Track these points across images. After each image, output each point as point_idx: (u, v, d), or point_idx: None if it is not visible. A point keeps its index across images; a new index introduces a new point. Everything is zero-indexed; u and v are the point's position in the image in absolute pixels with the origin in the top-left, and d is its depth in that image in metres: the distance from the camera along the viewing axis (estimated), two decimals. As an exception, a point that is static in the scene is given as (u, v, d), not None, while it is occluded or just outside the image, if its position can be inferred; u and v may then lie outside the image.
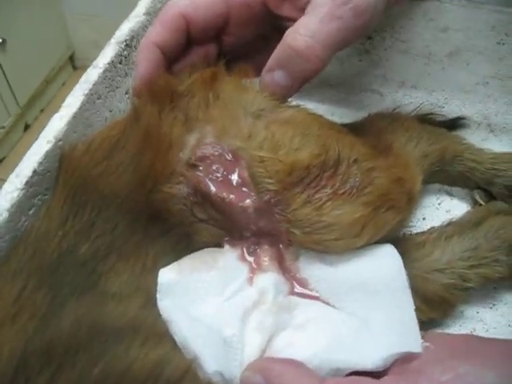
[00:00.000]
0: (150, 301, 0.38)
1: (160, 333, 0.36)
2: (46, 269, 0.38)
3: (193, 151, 0.40)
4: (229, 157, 0.40)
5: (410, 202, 0.45)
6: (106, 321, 0.35)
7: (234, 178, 0.39)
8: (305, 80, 0.44)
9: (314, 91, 0.63)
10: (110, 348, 0.33)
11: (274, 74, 0.43)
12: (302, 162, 0.39)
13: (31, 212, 0.43)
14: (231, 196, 0.39)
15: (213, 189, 0.39)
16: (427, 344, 0.35)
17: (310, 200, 0.39)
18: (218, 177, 0.39)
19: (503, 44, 0.60)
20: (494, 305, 0.50)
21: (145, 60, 0.44)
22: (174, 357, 0.35)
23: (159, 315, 0.37)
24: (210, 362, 0.35)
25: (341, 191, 0.40)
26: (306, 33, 0.41)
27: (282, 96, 0.44)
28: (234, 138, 0.40)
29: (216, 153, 0.40)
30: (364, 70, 0.64)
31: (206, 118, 0.41)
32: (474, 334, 0.48)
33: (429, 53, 0.61)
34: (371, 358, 0.35)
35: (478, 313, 0.50)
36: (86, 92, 0.48)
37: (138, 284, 0.39)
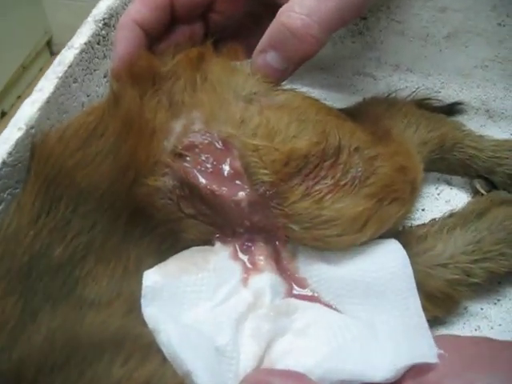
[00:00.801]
0: (134, 308, 0.34)
1: (146, 345, 0.32)
2: (15, 273, 0.34)
3: (179, 139, 0.36)
4: (219, 145, 0.36)
5: (413, 193, 0.42)
6: (83, 334, 0.31)
7: (226, 168, 0.36)
8: (300, 62, 0.40)
9: (305, 75, 0.59)
10: (89, 367, 0.29)
11: (266, 55, 0.39)
12: (300, 150, 0.36)
13: (0, 207, 0.39)
14: (222, 188, 0.35)
15: (202, 181, 0.35)
16: (441, 352, 0.32)
17: (309, 192, 0.36)
18: (207, 168, 0.36)
19: (504, 26, 0.57)
20: (498, 300, 0.48)
21: (124, 39, 0.40)
22: (163, 375, 0.31)
23: (144, 324, 0.33)
24: (202, 376, 0.31)
25: (342, 182, 0.37)
26: (301, 11, 0.38)
27: (275, 79, 0.40)
28: (224, 124, 0.36)
29: (205, 141, 0.36)
30: (357, 53, 0.61)
31: (193, 103, 0.38)
32: (478, 331, 0.46)
33: (426, 34, 0.58)
34: (380, 368, 0.32)
35: (482, 309, 0.47)
36: (61, 75, 0.44)
37: (119, 289, 0.35)
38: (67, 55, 0.45)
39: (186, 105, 0.38)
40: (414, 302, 0.37)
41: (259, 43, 0.40)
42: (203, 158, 0.36)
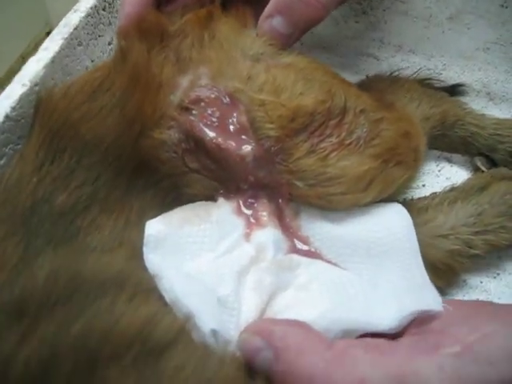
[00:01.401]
0: (136, 255, 0.34)
1: (149, 288, 0.32)
2: (18, 217, 0.34)
3: (185, 93, 0.36)
4: (226, 100, 0.36)
5: (416, 160, 0.41)
6: (87, 272, 0.31)
7: (232, 123, 0.36)
8: (306, 28, 0.41)
9: (307, 54, 0.59)
10: (93, 303, 0.29)
11: (272, 20, 0.39)
12: (306, 107, 0.36)
13: (2, 162, 0.39)
14: (228, 142, 0.35)
15: (207, 134, 0.35)
16: (446, 305, 0.32)
17: (314, 149, 0.36)
18: (213, 121, 0.36)
19: (506, 7, 0.57)
20: (498, 274, 0.48)
21: None
22: (166, 315, 0.31)
23: (146, 270, 0.33)
24: (206, 319, 0.31)
25: (347, 141, 0.37)
26: None
27: (281, 44, 0.40)
28: (231, 79, 0.36)
29: (212, 95, 0.36)
30: (360, 33, 0.61)
31: (200, 59, 0.38)
32: (478, 304, 0.46)
33: (429, 15, 0.58)
34: (384, 318, 0.31)
35: (481, 283, 0.47)
36: (66, 36, 0.44)
37: (121, 239, 0.35)
38: (73, 18, 0.45)
39: (194, 61, 0.38)
40: (417, 262, 0.37)
41: (266, 8, 0.40)
42: (209, 112, 0.36)
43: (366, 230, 0.37)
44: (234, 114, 0.36)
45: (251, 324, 0.32)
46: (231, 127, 0.36)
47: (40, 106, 0.38)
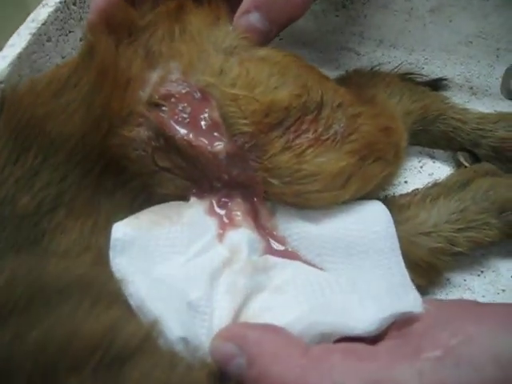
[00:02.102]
0: (103, 259, 0.33)
1: (113, 293, 0.30)
2: None
3: (155, 89, 0.35)
4: (197, 95, 0.35)
5: (396, 157, 0.40)
6: (48, 277, 0.29)
7: (203, 119, 0.34)
8: (284, 25, 0.39)
9: (287, 49, 0.58)
10: (53, 309, 0.28)
11: (249, 15, 0.38)
12: (280, 101, 0.35)
13: (-34, 162, 0.37)
14: (200, 139, 0.34)
15: (178, 131, 0.34)
16: (426, 306, 0.31)
17: (289, 146, 0.35)
18: (184, 118, 0.34)
19: (488, 0, 0.56)
20: (481, 272, 0.47)
21: None
22: (131, 321, 0.29)
23: (113, 274, 0.32)
24: (173, 326, 0.29)
25: (324, 137, 0.35)
26: None
27: (258, 41, 0.39)
28: (202, 73, 0.35)
29: (182, 90, 0.35)
30: (340, 27, 0.60)
31: (170, 53, 0.36)
32: (462, 302, 0.45)
33: (410, 8, 0.58)
34: (362, 320, 0.30)
35: (465, 280, 0.46)
36: (34, 32, 0.43)
37: (87, 243, 0.34)
38: (41, 12, 0.44)
39: (164, 55, 0.36)
40: (397, 261, 0.35)
41: (242, 3, 0.38)
42: (180, 108, 0.34)
43: (345, 229, 0.35)
44: (206, 110, 0.35)
45: (224, 329, 0.30)
46: (203, 123, 0.34)
47: (4, 103, 0.37)
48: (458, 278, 0.46)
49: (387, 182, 0.39)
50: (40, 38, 0.43)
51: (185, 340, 0.29)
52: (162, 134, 0.34)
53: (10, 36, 0.42)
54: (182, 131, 0.34)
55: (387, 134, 0.39)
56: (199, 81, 0.35)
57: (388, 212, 0.37)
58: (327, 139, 0.35)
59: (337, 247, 0.35)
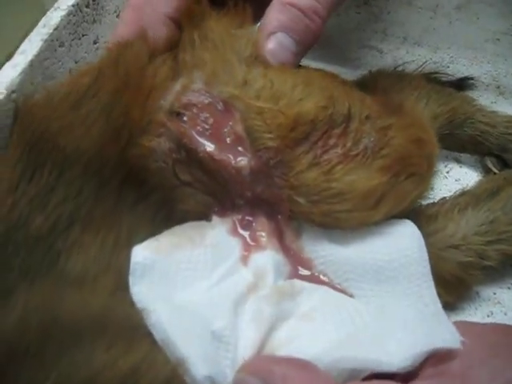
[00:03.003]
0: (122, 285, 0.31)
1: (133, 327, 0.29)
2: None
3: (177, 98, 0.33)
4: (220, 106, 0.33)
5: (429, 169, 0.38)
6: (62, 316, 0.28)
7: (227, 132, 0.33)
8: (311, 45, 0.38)
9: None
10: (67, 352, 0.26)
11: (278, 36, 0.36)
12: (306, 114, 0.33)
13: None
14: (222, 154, 0.32)
15: (200, 144, 0.32)
16: (462, 339, 0.29)
17: (317, 162, 0.33)
18: (206, 129, 0.33)
19: (517, -5, 0.54)
20: (511, 284, 0.45)
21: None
22: (152, 363, 0.27)
23: (132, 304, 0.30)
24: (198, 364, 0.28)
25: (353, 152, 0.34)
26: None
27: (290, 63, 0.37)
28: (226, 84, 0.34)
29: (205, 101, 0.33)
30: (362, 24, 0.58)
31: (194, 62, 0.35)
32: (491, 317, 0.44)
33: (435, 5, 0.55)
34: (395, 355, 0.28)
35: (495, 294, 0.45)
36: (46, 37, 0.41)
37: (108, 262, 0.32)
38: (53, 17, 0.42)
39: (188, 63, 0.35)
40: (429, 288, 0.34)
41: (265, 24, 0.36)
42: (202, 119, 0.33)
43: (374, 253, 0.34)
44: (230, 123, 0.33)
45: (248, 361, 0.29)
46: (226, 137, 0.33)
47: (18, 116, 0.35)
48: (487, 290, 0.45)
49: (421, 198, 0.37)
50: (52, 44, 0.41)
51: (210, 378, 0.28)
52: (183, 145, 0.33)
53: (25, 34, 0.40)
54: (204, 144, 0.33)
55: (420, 146, 0.37)
56: (222, 92, 0.33)
57: (420, 234, 0.35)
58: (357, 155, 0.33)
59: (365, 272, 0.34)
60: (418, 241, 0.34)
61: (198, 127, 0.33)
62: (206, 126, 0.33)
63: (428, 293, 0.33)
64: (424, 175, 0.37)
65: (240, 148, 0.33)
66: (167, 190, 0.34)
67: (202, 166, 0.33)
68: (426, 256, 0.34)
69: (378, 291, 0.33)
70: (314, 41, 0.37)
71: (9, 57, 0.39)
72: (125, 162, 0.33)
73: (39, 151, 0.33)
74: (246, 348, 0.29)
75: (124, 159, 0.33)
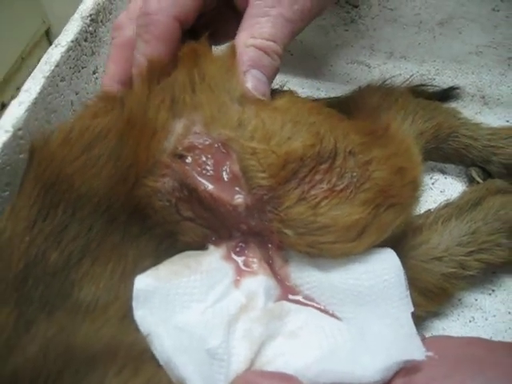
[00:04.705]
0: (130, 312, 0.34)
1: (139, 353, 0.32)
2: (10, 282, 0.33)
3: (179, 140, 0.36)
4: (219, 148, 0.36)
5: (414, 191, 0.41)
6: (77, 346, 0.31)
7: (225, 171, 0.35)
8: (273, 79, 0.41)
9: (298, 64, 0.58)
10: (82, 380, 0.29)
11: (253, 73, 0.39)
12: (295, 152, 0.35)
13: (-11, 210, 0.39)
14: (221, 192, 0.35)
15: (201, 184, 0.35)
16: (431, 353, 0.32)
17: (304, 197, 0.35)
18: (207, 170, 0.35)
19: (498, 11, 0.56)
20: (493, 291, 0.48)
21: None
22: None
23: (139, 330, 0.33)
24: (195, 381, 0.31)
25: (338, 188, 0.36)
26: (264, 37, 0.40)
27: (268, 96, 0.40)
28: (223, 127, 0.36)
29: (205, 143, 0.36)
30: (350, 41, 0.60)
31: (192, 104, 0.37)
32: (473, 323, 0.46)
33: (419, 21, 0.57)
34: (369, 370, 0.32)
35: (476, 300, 0.47)
36: (48, 74, 0.43)
37: (116, 291, 0.35)
38: (54, 54, 0.44)
39: (187, 105, 0.37)
40: (405, 311, 0.36)
41: (239, 64, 0.39)
42: (203, 160, 0.35)
43: (355, 279, 0.36)
44: (227, 163, 0.35)
45: (239, 376, 0.32)
46: (224, 176, 0.35)
47: (35, 155, 0.37)
48: (469, 297, 0.47)
49: (403, 224, 0.39)
50: (54, 80, 0.44)
51: None
52: (186, 185, 0.35)
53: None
54: (205, 184, 0.35)
55: (402, 175, 0.39)
56: (221, 134, 0.36)
57: (398, 260, 0.37)
58: (341, 190, 0.36)
59: (346, 298, 0.36)
60: (397, 268, 0.37)
61: (200, 168, 0.35)
62: (207, 167, 0.35)
63: (404, 315, 0.35)
64: (406, 203, 0.39)
65: (237, 186, 0.35)
66: (169, 225, 0.36)
67: (203, 204, 0.35)
68: (403, 281, 0.36)
69: (358, 314, 0.36)
70: (276, 74, 0.41)
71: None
72: (131, 200, 0.36)
73: (55, 192, 0.36)
74: (238, 364, 0.32)
75: (130, 198, 0.36)
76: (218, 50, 0.41)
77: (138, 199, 0.36)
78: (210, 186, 0.35)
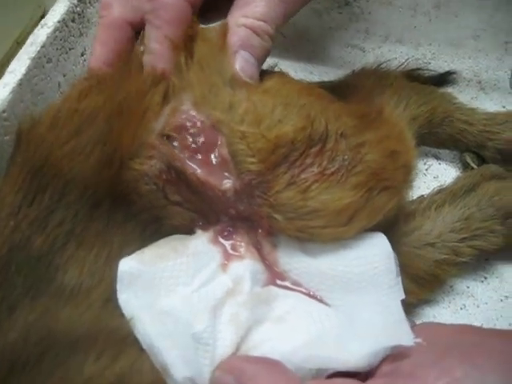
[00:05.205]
0: (114, 296, 0.33)
1: (121, 338, 0.31)
2: None
3: (167, 121, 0.35)
4: (208, 130, 0.35)
5: (406, 179, 0.40)
6: (58, 330, 0.30)
7: (214, 155, 0.35)
8: (264, 61, 0.40)
9: (291, 47, 0.57)
10: (62, 365, 0.29)
11: (242, 54, 0.38)
12: (286, 136, 0.35)
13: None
14: (210, 176, 0.34)
15: (189, 166, 0.34)
16: (419, 340, 0.31)
17: (294, 181, 0.35)
18: (195, 152, 0.35)
19: (496, -7, 0.55)
20: (485, 278, 0.48)
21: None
22: (137, 371, 0.30)
23: (122, 314, 0.33)
24: (178, 366, 0.30)
25: (329, 171, 0.35)
26: (256, 16, 0.39)
27: (257, 79, 0.39)
28: (214, 108, 0.35)
29: (195, 123, 0.35)
30: (345, 24, 0.59)
31: (182, 84, 0.36)
32: (464, 310, 0.46)
33: (415, 4, 0.56)
34: (355, 356, 0.31)
35: (468, 287, 0.47)
36: (33, 56, 0.42)
37: (101, 275, 0.34)
38: (40, 35, 0.43)
39: (176, 86, 0.36)
40: (396, 298, 0.36)
41: (229, 45, 0.38)
42: (191, 142, 0.35)
43: (345, 266, 0.36)
44: (216, 146, 0.35)
45: (224, 361, 0.31)
46: (213, 159, 0.35)
47: (22, 138, 0.37)
48: (460, 284, 0.47)
49: (396, 208, 0.39)
50: (40, 61, 0.43)
51: (190, 379, 0.30)
52: (174, 167, 0.34)
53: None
54: (193, 166, 0.34)
55: (394, 158, 0.38)
56: (210, 115, 0.35)
57: (389, 246, 0.37)
58: (332, 173, 0.35)
59: (335, 284, 0.36)
60: (387, 254, 0.36)
61: (188, 150, 0.35)
62: (195, 149, 0.35)
63: (394, 303, 0.35)
64: (399, 187, 0.38)
65: (225, 170, 0.35)
66: (156, 209, 0.35)
67: (190, 187, 0.35)
68: (393, 267, 0.36)
69: (347, 300, 0.35)
70: (267, 56, 0.40)
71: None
72: (117, 185, 0.35)
73: (42, 176, 0.35)
74: (223, 348, 0.32)
75: (116, 183, 0.35)
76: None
77: (125, 184, 0.35)
78: (198, 169, 0.34)
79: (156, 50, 0.38)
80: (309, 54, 0.59)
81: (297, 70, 0.58)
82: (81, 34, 0.47)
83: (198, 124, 0.35)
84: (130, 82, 0.37)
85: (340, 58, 0.60)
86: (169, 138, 0.35)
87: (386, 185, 0.37)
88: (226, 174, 0.35)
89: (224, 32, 0.38)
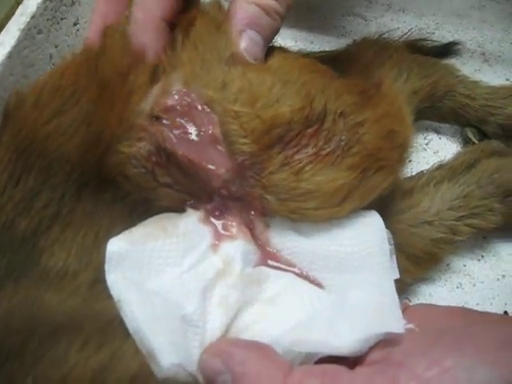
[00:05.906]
0: (102, 277, 0.33)
1: (107, 322, 0.31)
2: None
3: (156, 101, 0.34)
4: (199, 108, 0.34)
5: (400, 160, 0.39)
6: (42, 316, 0.30)
7: (205, 135, 0.34)
8: (271, 41, 0.38)
9: (291, 16, 0.55)
10: (46, 353, 0.28)
11: (248, 33, 0.36)
12: (282, 116, 0.34)
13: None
14: (201, 157, 0.33)
15: (179, 147, 0.33)
16: (411, 326, 0.31)
17: (287, 162, 0.34)
18: (185, 133, 0.34)
19: (504, -40, 0.53)
20: (482, 256, 0.47)
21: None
22: (122, 358, 0.30)
23: (109, 296, 0.32)
24: (165, 352, 0.30)
25: (324, 152, 0.34)
26: None
27: (261, 60, 0.37)
28: (205, 86, 0.34)
29: (184, 103, 0.34)
30: (347, -9, 0.57)
31: (172, 63, 0.35)
32: (460, 289, 0.46)
33: (420, -29, 0.54)
34: (346, 341, 0.30)
35: (465, 266, 0.47)
36: (23, 27, 0.41)
37: (89, 257, 0.34)
38: (29, 5, 0.42)
39: (166, 66, 0.35)
40: (389, 279, 0.35)
41: (235, 23, 0.36)
42: (182, 122, 0.34)
43: (338, 245, 0.35)
44: (208, 126, 0.34)
45: (213, 344, 0.31)
46: (204, 140, 0.34)
47: (9, 116, 0.36)
48: (457, 262, 0.47)
49: (389, 188, 0.38)
50: (30, 32, 0.41)
51: (178, 365, 0.30)
52: (164, 149, 0.34)
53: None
54: (184, 147, 0.33)
55: (391, 138, 0.37)
56: (202, 94, 0.34)
57: (383, 226, 0.36)
58: (327, 154, 0.34)
59: (328, 264, 0.35)
60: (382, 233, 0.36)
61: (178, 131, 0.34)
62: (186, 130, 0.34)
63: (387, 284, 0.34)
64: (394, 166, 0.37)
65: (217, 151, 0.34)
66: (145, 191, 0.35)
67: (181, 169, 0.34)
68: (387, 247, 0.35)
69: (339, 281, 0.35)
70: (274, 36, 0.38)
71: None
72: (104, 168, 0.34)
73: (28, 156, 0.34)
74: (213, 330, 0.32)
75: (103, 165, 0.34)
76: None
77: (112, 167, 0.34)
78: (188, 151, 0.33)
79: (139, 20, 0.36)
80: (309, 23, 0.58)
81: (297, 39, 0.57)
82: (73, 3, 0.45)
83: (189, 104, 0.34)
84: (106, 59, 0.35)
85: (341, 26, 0.58)
86: (158, 119, 0.34)
87: (381, 165, 0.36)
88: (218, 154, 0.34)
89: (220, 8, 0.37)
